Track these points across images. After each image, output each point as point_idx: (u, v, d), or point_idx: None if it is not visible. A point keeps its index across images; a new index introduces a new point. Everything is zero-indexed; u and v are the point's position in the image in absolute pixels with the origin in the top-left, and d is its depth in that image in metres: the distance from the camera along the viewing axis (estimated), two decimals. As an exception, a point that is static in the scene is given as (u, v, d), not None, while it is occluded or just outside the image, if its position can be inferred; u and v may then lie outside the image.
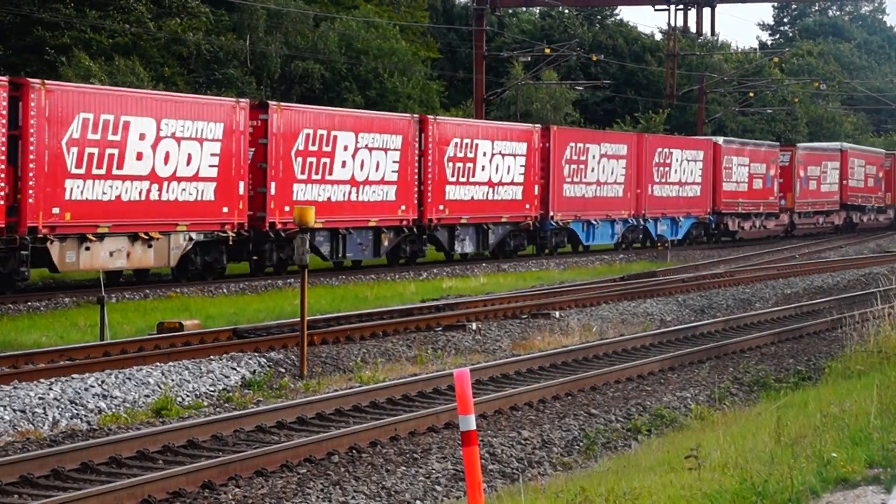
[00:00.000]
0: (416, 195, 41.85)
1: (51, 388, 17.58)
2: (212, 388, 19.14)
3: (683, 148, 59.35)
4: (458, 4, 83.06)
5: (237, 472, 13.31)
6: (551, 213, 48.37)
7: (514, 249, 47.64)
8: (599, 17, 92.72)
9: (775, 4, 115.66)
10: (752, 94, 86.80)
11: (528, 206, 46.93)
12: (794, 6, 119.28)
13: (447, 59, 77.86)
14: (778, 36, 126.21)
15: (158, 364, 19.87)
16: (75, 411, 17.01)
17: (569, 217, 49.44)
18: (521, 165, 47.04)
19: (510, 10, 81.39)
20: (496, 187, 45.67)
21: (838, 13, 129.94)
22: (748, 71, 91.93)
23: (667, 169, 56.78)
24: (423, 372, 20.81)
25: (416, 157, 41.94)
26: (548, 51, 63.36)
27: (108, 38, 53.96)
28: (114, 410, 17.30)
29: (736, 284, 37.32)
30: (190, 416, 16.88)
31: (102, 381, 18.27)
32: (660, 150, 56.61)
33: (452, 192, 43.53)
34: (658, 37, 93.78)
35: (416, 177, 41.90)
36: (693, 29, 56.40)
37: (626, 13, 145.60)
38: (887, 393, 15.04)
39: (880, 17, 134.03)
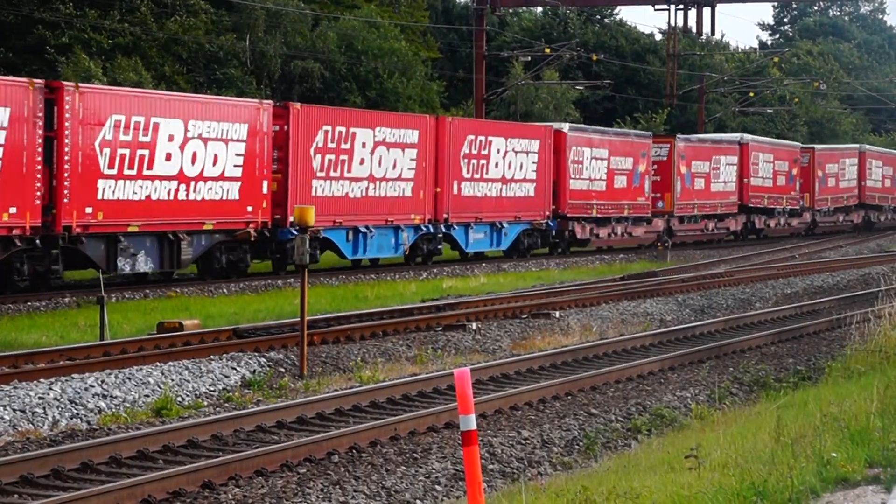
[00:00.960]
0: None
1: (51, 388, 17.58)
2: (212, 388, 19.14)
3: (509, 136, 47.20)
4: (458, 4, 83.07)
5: (237, 472, 13.31)
6: (290, 219, 35.78)
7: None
8: (599, 16, 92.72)
9: (775, 4, 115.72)
10: (752, 94, 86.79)
11: (250, 208, 35.44)
12: (794, 6, 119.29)
13: (447, 59, 77.87)
14: (778, 36, 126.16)
15: (158, 364, 19.87)
16: (75, 411, 17.01)
17: (326, 222, 37.86)
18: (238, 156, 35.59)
19: (510, 10, 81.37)
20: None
21: (838, 13, 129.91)
22: (749, 71, 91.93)
23: (483, 162, 45.25)
24: (423, 372, 20.82)
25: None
26: (548, 50, 63.37)
27: (108, 38, 53.95)
28: (114, 410, 17.30)
29: (736, 284, 37.32)
30: (190, 416, 16.88)
31: (102, 381, 18.27)
32: (471, 137, 44.90)
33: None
34: (658, 37, 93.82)
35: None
36: (693, 29, 56.40)
37: (626, 13, 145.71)
38: (887, 393, 15.04)
39: (880, 16, 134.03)
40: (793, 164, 69.16)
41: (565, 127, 51.75)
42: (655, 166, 57.04)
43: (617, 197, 53.58)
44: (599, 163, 52.62)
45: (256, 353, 21.39)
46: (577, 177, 51.01)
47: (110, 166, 31.27)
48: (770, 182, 66.68)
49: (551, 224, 49.11)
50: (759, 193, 65.35)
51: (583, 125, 58.50)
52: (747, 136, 66.71)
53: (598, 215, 52.34)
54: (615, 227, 53.97)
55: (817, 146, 75.24)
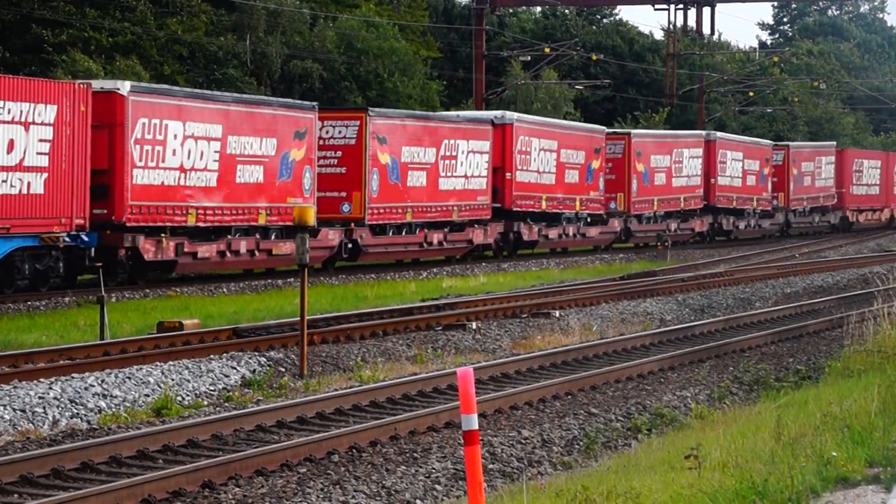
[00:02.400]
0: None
1: (51, 388, 17.57)
2: (212, 388, 19.14)
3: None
4: (458, 4, 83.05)
5: (237, 472, 13.30)
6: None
7: None
8: (599, 16, 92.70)
9: (775, 4, 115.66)
10: (751, 94, 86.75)
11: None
12: (793, 6, 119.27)
13: (447, 59, 77.84)
14: (778, 35, 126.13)
15: (158, 363, 19.87)
16: (75, 411, 17.01)
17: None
18: None
19: (510, 10, 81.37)
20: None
21: (838, 13, 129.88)
22: (749, 71, 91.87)
23: None
24: (423, 371, 20.81)
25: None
26: (547, 50, 63.36)
27: (107, 37, 53.95)
28: (114, 410, 17.30)
29: (736, 284, 37.32)
30: (190, 416, 16.88)
31: (102, 381, 18.27)
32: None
33: None
34: (659, 36, 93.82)
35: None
36: (693, 28, 56.38)
37: (626, 12, 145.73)
38: (887, 392, 15.04)
39: (880, 16, 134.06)
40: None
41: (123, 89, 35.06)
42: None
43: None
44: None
45: (256, 353, 21.39)
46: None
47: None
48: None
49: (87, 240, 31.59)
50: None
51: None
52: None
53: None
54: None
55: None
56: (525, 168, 48.51)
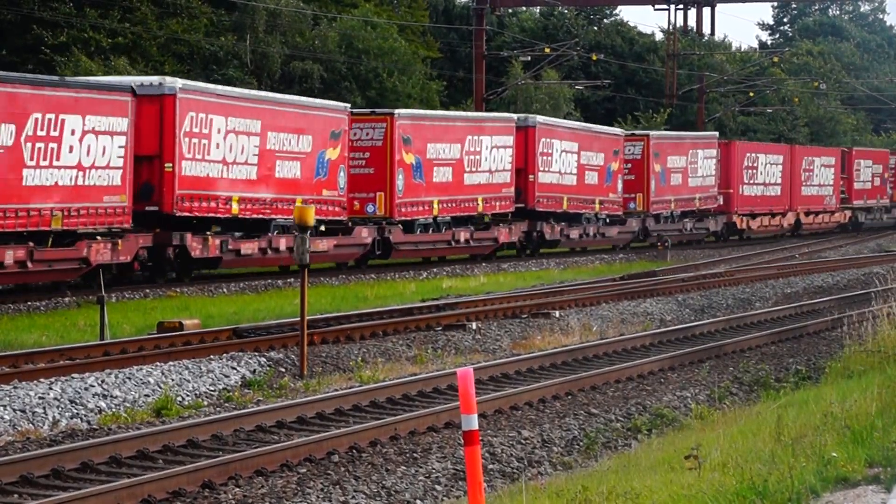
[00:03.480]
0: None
1: (51, 388, 17.58)
2: (212, 388, 19.14)
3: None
4: (458, 4, 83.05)
5: (237, 472, 13.30)
6: None
7: None
8: (599, 16, 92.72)
9: (775, 4, 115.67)
10: (751, 94, 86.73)
11: None
12: (794, 6, 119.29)
13: (447, 59, 77.85)
14: (778, 35, 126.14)
15: (158, 364, 19.87)
16: (75, 411, 17.01)
17: None
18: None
19: (510, 10, 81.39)
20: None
21: (838, 13, 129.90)
22: (751, 72, 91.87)
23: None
24: (423, 371, 20.81)
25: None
26: (548, 50, 63.35)
27: (107, 38, 53.95)
28: (114, 410, 17.30)
29: (736, 284, 37.32)
30: (190, 416, 16.88)
31: (102, 381, 18.27)
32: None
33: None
34: (659, 36, 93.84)
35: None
36: (693, 28, 56.38)
37: (626, 12, 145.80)
38: (887, 392, 15.04)
39: (880, 16, 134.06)
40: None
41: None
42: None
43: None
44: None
45: (256, 353, 21.39)
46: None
47: None
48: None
49: None
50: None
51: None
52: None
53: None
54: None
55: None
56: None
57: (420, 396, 18.26)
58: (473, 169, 45.06)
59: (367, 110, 45.36)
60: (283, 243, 36.41)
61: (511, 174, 46.98)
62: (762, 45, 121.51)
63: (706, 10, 55.36)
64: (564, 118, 73.19)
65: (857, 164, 76.12)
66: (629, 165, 55.88)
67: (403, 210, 41.72)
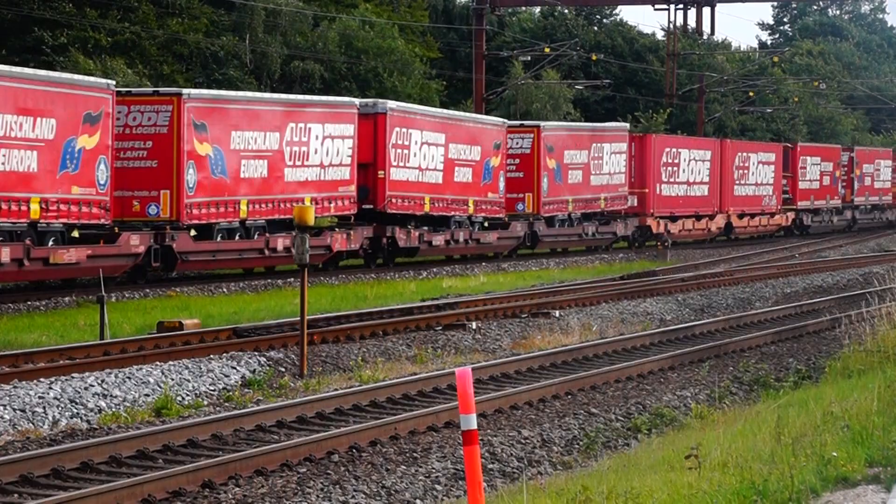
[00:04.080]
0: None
1: (51, 388, 17.58)
2: (212, 388, 19.14)
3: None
4: (458, 4, 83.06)
5: (237, 472, 13.31)
6: None
7: None
8: (599, 16, 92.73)
9: (775, 4, 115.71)
10: (751, 94, 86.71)
11: None
12: (794, 6, 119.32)
13: (447, 59, 77.85)
14: (778, 35, 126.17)
15: (158, 363, 19.87)
16: (75, 410, 17.01)
17: None
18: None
19: (510, 10, 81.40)
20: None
21: (838, 13, 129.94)
22: (750, 71, 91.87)
23: None
24: (423, 371, 20.81)
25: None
26: (547, 50, 63.36)
27: (106, 37, 53.96)
28: (114, 410, 17.30)
29: (736, 283, 37.33)
30: (190, 416, 16.88)
31: (102, 381, 18.28)
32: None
33: None
34: (659, 35, 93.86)
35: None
36: (693, 28, 56.40)
37: (626, 12, 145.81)
38: (887, 392, 15.04)
39: (880, 16, 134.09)
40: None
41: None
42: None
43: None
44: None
45: (256, 353, 21.39)
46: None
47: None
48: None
49: None
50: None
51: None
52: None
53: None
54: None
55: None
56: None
57: (420, 396, 18.26)
58: (297, 163, 37.87)
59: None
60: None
61: (352, 170, 39.60)
62: (762, 45, 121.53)
63: (706, 10, 55.38)
64: (564, 118, 73.21)
65: (802, 162, 70.22)
66: (516, 161, 48.94)
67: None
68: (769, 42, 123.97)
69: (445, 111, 49.78)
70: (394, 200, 41.56)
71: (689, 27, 56.54)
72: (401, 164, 41.86)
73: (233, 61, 58.96)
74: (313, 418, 16.43)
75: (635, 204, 56.07)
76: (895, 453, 12.14)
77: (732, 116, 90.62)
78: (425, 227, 43.46)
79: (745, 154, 65.21)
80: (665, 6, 56.58)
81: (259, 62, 60.28)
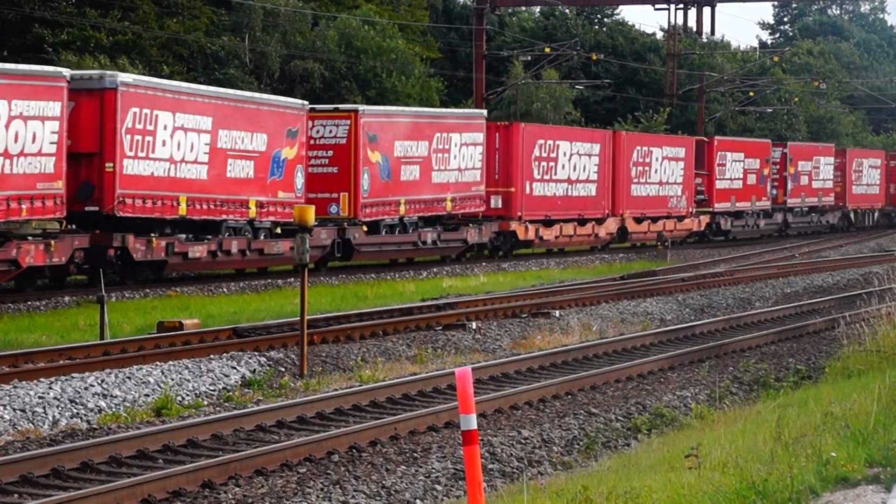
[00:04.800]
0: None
1: (51, 388, 17.58)
2: (212, 388, 19.14)
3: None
4: (458, 4, 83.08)
5: (237, 472, 13.31)
6: None
7: None
8: (599, 16, 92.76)
9: (775, 4, 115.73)
10: (751, 94, 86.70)
11: None
12: (794, 5, 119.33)
13: (447, 59, 77.86)
14: (778, 35, 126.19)
15: (158, 363, 19.87)
16: (75, 410, 17.01)
17: None
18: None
19: (510, 10, 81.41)
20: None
21: (838, 12, 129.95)
22: (751, 71, 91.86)
23: None
24: (423, 371, 20.82)
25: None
26: (548, 50, 63.35)
27: (107, 37, 53.98)
28: (114, 410, 17.30)
29: (736, 283, 37.33)
30: (190, 416, 16.88)
31: (102, 381, 18.28)
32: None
33: None
34: (659, 36, 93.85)
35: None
36: (693, 28, 56.40)
37: (626, 12, 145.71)
38: (887, 392, 15.04)
39: (880, 16, 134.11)
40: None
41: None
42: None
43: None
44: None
45: (256, 353, 21.39)
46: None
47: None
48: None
49: None
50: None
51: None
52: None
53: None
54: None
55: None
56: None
57: (420, 396, 18.26)
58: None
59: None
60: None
61: (58, 161, 29.98)
62: (762, 44, 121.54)
63: (706, 10, 55.36)
64: (565, 118, 73.23)
65: (720, 158, 62.41)
66: (328, 153, 39.90)
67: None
68: (769, 42, 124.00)
69: (212, 88, 38.11)
70: (128, 201, 32.00)
71: (689, 27, 56.52)
72: (141, 154, 32.41)
73: (233, 61, 58.98)
74: (313, 418, 16.43)
75: (499, 205, 47.69)
76: (895, 453, 12.14)
77: (732, 116, 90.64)
78: (182, 235, 34.15)
79: (645, 148, 56.94)
80: (665, 6, 56.57)
81: (258, 62, 60.30)
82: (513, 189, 48.23)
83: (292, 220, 30.65)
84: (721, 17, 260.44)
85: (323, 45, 62.74)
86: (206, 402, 18.27)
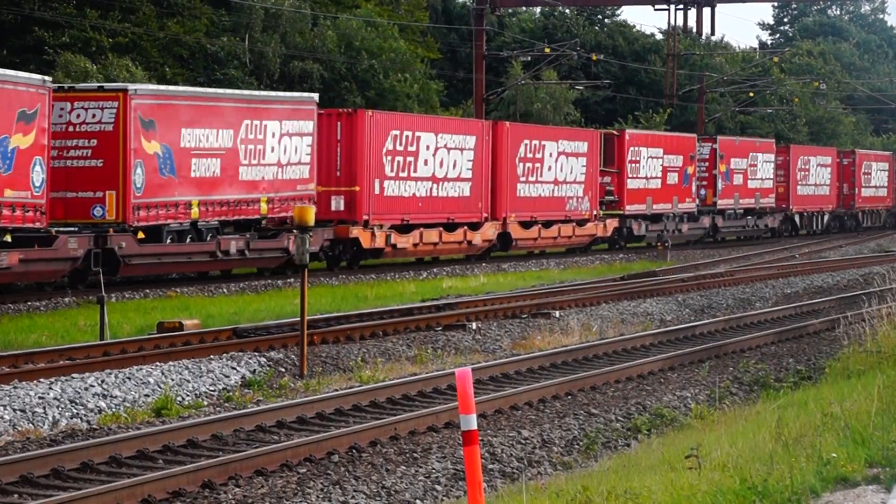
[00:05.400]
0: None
1: (51, 388, 17.58)
2: (212, 388, 19.14)
3: None
4: (458, 4, 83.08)
5: (237, 472, 13.31)
6: None
7: None
8: (599, 17, 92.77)
9: (775, 4, 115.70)
10: (751, 94, 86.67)
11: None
12: (794, 6, 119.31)
13: (447, 59, 77.86)
14: (778, 35, 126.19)
15: (158, 364, 19.88)
16: (75, 411, 17.01)
17: None
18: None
19: (510, 10, 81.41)
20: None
21: (838, 13, 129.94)
22: (751, 72, 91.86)
23: None
24: (423, 371, 20.82)
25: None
26: (548, 50, 63.35)
27: (108, 38, 53.98)
28: (114, 410, 17.30)
29: (736, 284, 37.33)
30: (190, 416, 16.88)
31: (102, 381, 18.28)
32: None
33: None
34: (659, 36, 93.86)
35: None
36: (693, 29, 56.40)
37: (626, 13, 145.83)
38: (887, 392, 15.03)
39: (880, 16, 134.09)
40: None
41: None
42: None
43: None
44: None
45: (256, 353, 21.39)
46: None
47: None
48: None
49: None
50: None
51: None
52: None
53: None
54: None
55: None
56: None
57: (420, 396, 18.26)
58: None
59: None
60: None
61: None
62: (762, 45, 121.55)
63: (706, 11, 55.36)
64: (565, 118, 73.25)
65: (633, 154, 55.09)
66: (91, 142, 31.78)
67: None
68: (769, 42, 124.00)
69: None
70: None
71: (689, 27, 56.51)
72: None
73: (233, 61, 58.98)
74: (313, 419, 16.43)
75: (341, 207, 40.05)
76: (895, 453, 12.14)
77: (732, 116, 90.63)
78: None
79: (536, 142, 49.22)
80: (665, 6, 56.56)
81: (258, 62, 60.30)
82: (357, 188, 40.14)
83: (21, 224, 27.52)
84: (721, 18, 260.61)
85: (322, 46, 62.73)
86: (206, 403, 18.27)
